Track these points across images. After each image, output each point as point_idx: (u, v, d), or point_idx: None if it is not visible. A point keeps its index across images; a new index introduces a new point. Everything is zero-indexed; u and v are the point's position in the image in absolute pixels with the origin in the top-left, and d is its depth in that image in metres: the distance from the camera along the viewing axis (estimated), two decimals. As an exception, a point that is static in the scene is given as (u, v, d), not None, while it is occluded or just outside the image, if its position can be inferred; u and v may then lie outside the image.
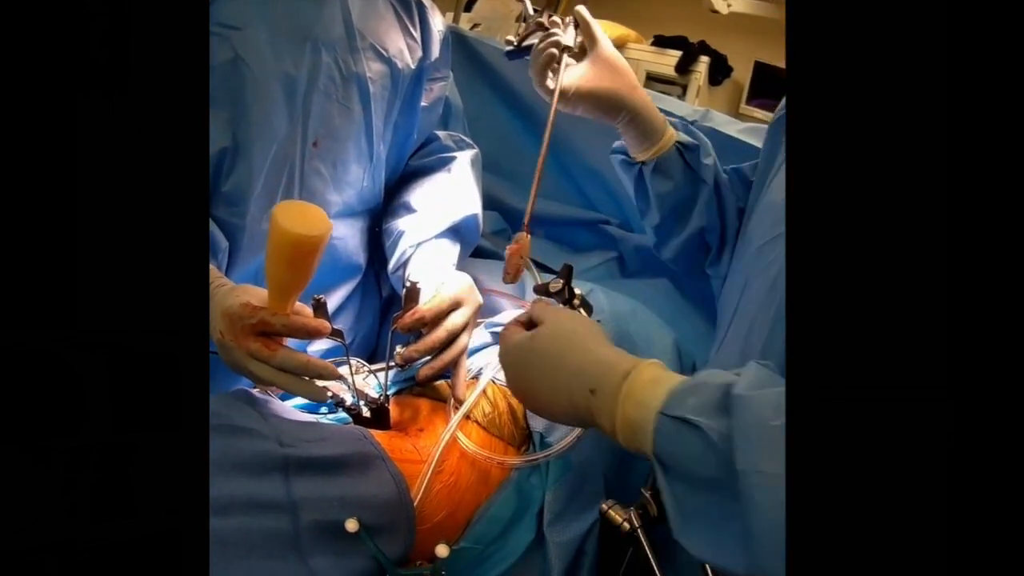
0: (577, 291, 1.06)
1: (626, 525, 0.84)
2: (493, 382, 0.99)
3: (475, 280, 1.02)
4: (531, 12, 1.03)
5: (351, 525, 0.74)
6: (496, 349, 1.06)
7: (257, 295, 0.84)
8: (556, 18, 1.05)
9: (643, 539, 0.82)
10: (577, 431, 0.91)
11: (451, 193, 1.21)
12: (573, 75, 0.99)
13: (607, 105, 1.01)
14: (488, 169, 1.39)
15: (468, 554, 0.85)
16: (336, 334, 0.86)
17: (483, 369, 1.01)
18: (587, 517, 0.90)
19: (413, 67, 1.18)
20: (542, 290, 1.08)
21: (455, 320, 0.94)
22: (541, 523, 0.88)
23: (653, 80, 3.76)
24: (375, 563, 0.76)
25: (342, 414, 0.94)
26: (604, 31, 1.04)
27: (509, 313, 1.16)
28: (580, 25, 1.02)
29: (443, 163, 1.29)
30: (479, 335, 1.09)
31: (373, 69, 1.11)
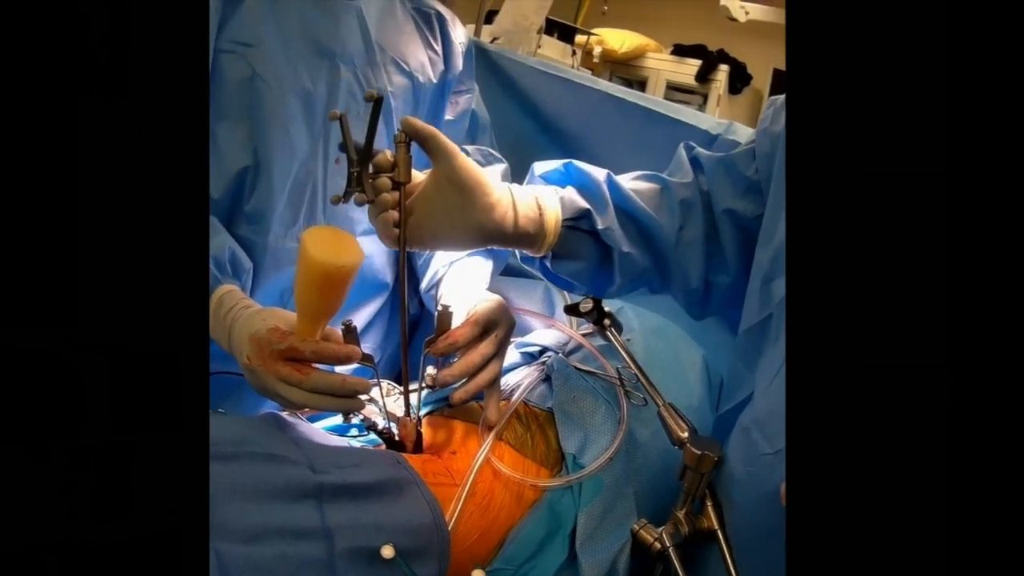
0: (607, 309, 1.05)
1: (657, 545, 0.83)
2: (525, 404, 0.98)
3: (504, 299, 1.00)
4: (351, 155, 0.81)
5: (387, 551, 0.73)
6: (528, 370, 1.04)
7: (285, 319, 0.83)
8: (385, 151, 0.84)
9: (674, 557, 0.82)
10: (609, 452, 0.91)
11: None
12: (422, 216, 0.84)
13: (466, 245, 0.88)
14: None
15: (501, 575, 0.84)
16: (366, 359, 0.85)
17: (515, 390, 0.99)
18: (619, 536, 0.89)
19: (435, 81, 1.17)
20: (572, 310, 1.07)
21: (489, 344, 0.91)
22: (573, 543, 0.87)
23: (673, 90, 3.76)
24: None
25: (372, 436, 0.93)
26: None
27: (540, 333, 1.14)
28: (415, 138, 0.82)
29: None
30: (510, 355, 1.07)
31: (394, 83, 1.10)
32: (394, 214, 0.83)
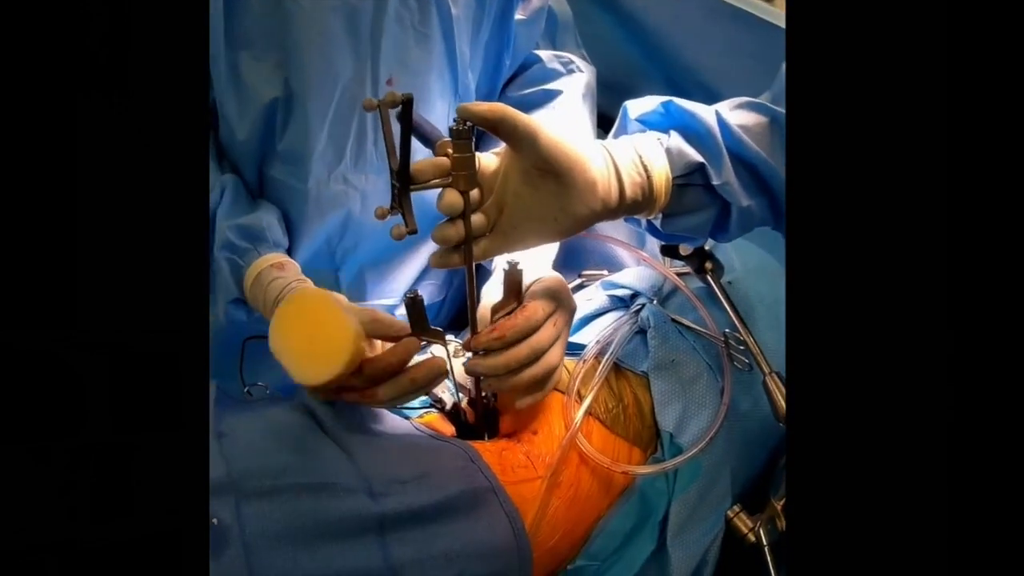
0: (707, 248, 0.91)
1: (751, 537, 0.78)
2: (617, 365, 0.85)
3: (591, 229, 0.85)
4: (391, 163, 0.64)
5: None
6: (619, 320, 0.90)
7: None
8: (443, 142, 0.67)
9: (768, 557, 0.76)
10: (711, 433, 0.79)
11: None
12: (514, 218, 0.69)
13: (565, 236, 0.73)
14: (603, 90, 1.14)
15: (584, 572, 0.78)
16: (435, 335, 0.74)
17: (605, 347, 0.85)
18: (713, 524, 0.81)
19: None
20: (671, 252, 0.94)
21: (544, 333, 0.73)
22: (663, 530, 0.80)
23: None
24: None
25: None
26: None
27: (630, 273, 1.00)
28: (480, 127, 0.65)
29: (546, 97, 1.06)
30: (597, 298, 0.96)
31: None
32: (460, 230, 0.67)
